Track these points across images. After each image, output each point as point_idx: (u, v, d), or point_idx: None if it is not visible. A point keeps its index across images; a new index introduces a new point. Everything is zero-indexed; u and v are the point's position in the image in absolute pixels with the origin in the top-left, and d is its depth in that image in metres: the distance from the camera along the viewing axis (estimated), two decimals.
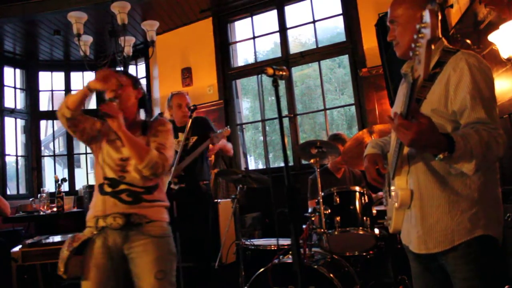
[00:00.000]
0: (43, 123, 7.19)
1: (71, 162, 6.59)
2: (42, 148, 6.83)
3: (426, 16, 1.03)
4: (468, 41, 3.16)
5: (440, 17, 1.61)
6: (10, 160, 6.47)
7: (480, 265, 1.36)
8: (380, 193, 3.51)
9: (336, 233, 2.80)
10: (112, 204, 1.94)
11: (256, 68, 5.51)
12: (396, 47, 1.60)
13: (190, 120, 3.03)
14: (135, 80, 2.19)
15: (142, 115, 2.28)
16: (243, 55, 7.41)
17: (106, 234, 1.94)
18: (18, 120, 6.32)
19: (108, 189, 1.98)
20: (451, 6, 3.61)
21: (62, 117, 1.97)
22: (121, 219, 1.91)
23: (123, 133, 1.95)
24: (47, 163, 7.86)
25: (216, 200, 4.28)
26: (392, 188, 1.59)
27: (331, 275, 2.39)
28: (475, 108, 1.34)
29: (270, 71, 1.57)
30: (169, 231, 2.06)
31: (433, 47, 1.27)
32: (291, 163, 5.26)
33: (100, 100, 2.22)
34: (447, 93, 1.40)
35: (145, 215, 1.96)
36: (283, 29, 5.43)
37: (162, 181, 2.14)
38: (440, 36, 1.55)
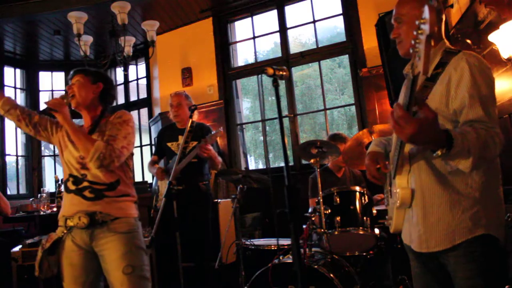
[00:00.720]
0: None
1: None
2: (42, 148, 6.83)
3: (425, 12, 1.03)
4: (468, 41, 3.16)
5: (444, 19, 1.60)
6: (10, 160, 6.48)
7: (481, 264, 1.36)
8: (378, 196, 3.51)
9: (336, 233, 2.80)
10: (77, 202, 1.99)
11: (256, 68, 5.51)
12: (399, 45, 1.60)
13: (190, 121, 3.00)
14: (93, 75, 2.19)
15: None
16: (243, 55, 7.43)
17: (74, 233, 1.99)
18: None
19: (72, 186, 2.03)
20: (451, 6, 3.61)
21: (5, 115, 2.15)
22: (85, 219, 1.95)
23: (68, 125, 1.99)
24: (47, 163, 7.86)
25: (216, 200, 4.28)
26: (393, 187, 1.58)
27: (331, 275, 2.39)
28: (474, 106, 1.34)
29: (270, 71, 1.57)
30: (137, 226, 2.07)
31: (432, 43, 1.26)
32: (291, 163, 5.26)
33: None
34: (448, 92, 1.41)
35: (109, 213, 1.98)
36: (283, 29, 5.42)
37: (126, 175, 2.12)
38: (444, 37, 1.55)
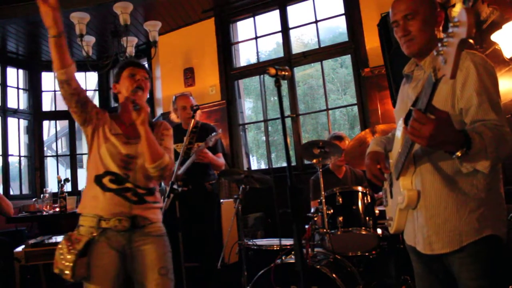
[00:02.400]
0: (45, 123, 7.21)
1: (74, 162, 6.60)
2: (45, 148, 6.85)
3: (462, 14, 0.97)
4: (471, 40, 3.14)
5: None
6: (13, 160, 6.49)
7: (487, 264, 1.36)
8: (381, 193, 3.50)
9: (338, 233, 2.80)
10: (118, 203, 1.91)
11: (258, 68, 5.51)
12: (408, 43, 1.52)
13: (193, 121, 2.99)
14: (149, 80, 2.24)
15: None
16: (245, 55, 7.41)
17: (109, 235, 1.91)
18: (21, 121, 6.33)
19: (111, 185, 1.93)
20: (454, 6, 3.60)
21: (61, 84, 1.92)
22: (127, 222, 1.91)
23: (144, 129, 1.91)
24: (50, 164, 7.89)
25: None
26: (396, 188, 1.58)
27: (334, 275, 2.39)
28: (482, 105, 1.33)
29: (273, 71, 1.57)
30: (165, 231, 2.10)
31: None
32: (293, 163, 5.25)
33: (116, 98, 2.19)
34: (454, 92, 1.40)
35: (147, 217, 1.99)
36: (285, 29, 5.42)
37: (157, 184, 2.17)
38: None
